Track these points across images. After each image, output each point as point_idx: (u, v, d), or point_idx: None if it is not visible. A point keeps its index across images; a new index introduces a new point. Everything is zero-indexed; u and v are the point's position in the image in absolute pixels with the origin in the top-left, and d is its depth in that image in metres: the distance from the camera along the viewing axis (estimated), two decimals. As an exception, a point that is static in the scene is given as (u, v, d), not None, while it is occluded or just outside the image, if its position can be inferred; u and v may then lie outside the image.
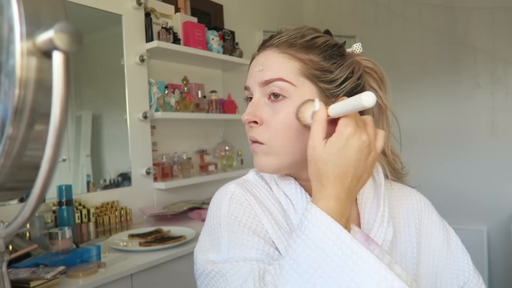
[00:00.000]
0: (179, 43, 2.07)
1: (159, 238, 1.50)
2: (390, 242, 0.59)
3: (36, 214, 1.38)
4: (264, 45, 0.65)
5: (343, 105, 0.49)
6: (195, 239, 1.53)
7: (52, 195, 1.50)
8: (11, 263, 1.15)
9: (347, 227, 0.48)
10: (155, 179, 2.01)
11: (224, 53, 2.30)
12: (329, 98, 0.60)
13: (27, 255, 1.25)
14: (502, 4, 2.57)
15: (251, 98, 0.64)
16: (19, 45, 0.27)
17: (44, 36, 0.27)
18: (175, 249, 1.43)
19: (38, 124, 0.29)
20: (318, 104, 0.53)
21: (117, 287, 1.23)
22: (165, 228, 1.65)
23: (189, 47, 2.07)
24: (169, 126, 2.16)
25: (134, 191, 1.92)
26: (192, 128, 2.30)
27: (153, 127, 2.05)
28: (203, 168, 2.22)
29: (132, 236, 1.56)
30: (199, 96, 2.20)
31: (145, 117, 1.92)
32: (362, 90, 0.65)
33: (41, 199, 0.31)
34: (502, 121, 2.60)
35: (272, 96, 0.60)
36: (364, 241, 0.49)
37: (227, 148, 2.37)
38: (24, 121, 0.28)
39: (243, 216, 0.61)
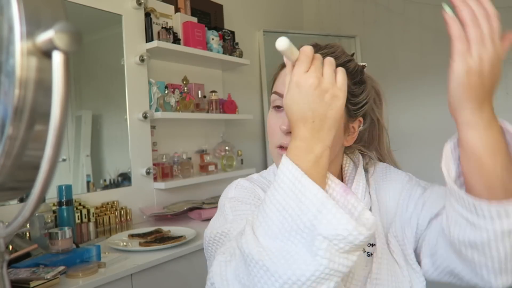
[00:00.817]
0: (179, 43, 2.07)
1: (159, 238, 1.50)
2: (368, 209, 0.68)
3: (36, 214, 1.38)
4: None
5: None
6: (195, 239, 1.53)
7: (52, 195, 1.50)
8: (11, 263, 1.15)
9: (319, 163, 0.51)
10: (155, 179, 2.01)
11: (224, 53, 2.30)
12: (350, 117, 0.69)
13: (27, 255, 1.25)
14: (502, 4, 2.57)
15: (278, 106, 0.69)
16: (19, 45, 0.27)
17: (44, 36, 0.27)
18: (175, 249, 1.43)
19: (38, 124, 0.29)
20: (285, 60, 0.57)
21: (117, 287, 1.23)
22: (165, 228, 1.65)
23: (189, 47, 2.07)
24: (169, 126, 2.16)
25: (134, 191, 1.92)
26: (192, 128, 2.30)
27: (153, 127, 2.05)
28: (203, 168, 2.22)
29: (132, 236, 1.56)
30: (199, 96, 2.20)
31: (145, 117, 1.92)
32: (369, 115, 0.76)
33: (41, 199, 0.31)
34: (502, 121, 2.60)
35: None
36: (343, 191, 0.52)
37: (227, 148, 2.37)
38: (24, 121, 0.28)
39: (246, 198, 0.71)
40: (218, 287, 0.54)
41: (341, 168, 0.77)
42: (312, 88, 0.50)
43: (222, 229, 0.65)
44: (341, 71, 0.54)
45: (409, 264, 0.68)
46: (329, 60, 0.53)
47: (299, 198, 0.48)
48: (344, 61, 0.67)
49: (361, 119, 0.72)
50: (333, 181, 0.53)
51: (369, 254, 0.68)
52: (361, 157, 0.78)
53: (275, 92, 0.70)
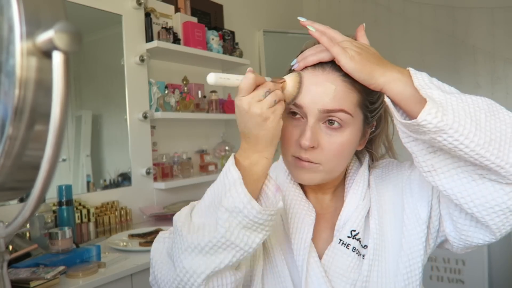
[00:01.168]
0: (179, 43, 2.07)
1: (159, 238, 1.50)
2: (362, 210, 0.68)
3: (36, 214, 1.38)
4: (324, 63, 0.64)
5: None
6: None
7: (52, 195, 1.50)
8: (11, 263, 1.15)
9: (252, 168, 0.58)
10: (155, 179, 2.01)
11: (224, 53, 2.30)
12: (367, 124, 0.69)
13: (27, 255, 1.25)
14: (502, 4, 2.57)
15: (294, 113, 0.66)
16: (19, 45, 0.27)
17: (44, 36, 0.27)
18: (175, 249, 1.43)
19: (38, 124, 0.29)
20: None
21: (117, 287, 1.23)
22: (165, 228, 1.65)
23: (189, 47, 2.07)
24: (169, 126, 2.16)
25: (134, 191, 1.92)
26: (192, 128, 2.30)
27: (153, 127, 2.05)
28: (203, 168, 2.22)
29: (132, 236, 1.56)
30: (199, 96, 2.20)
31: (145, 117, 1.92)
32: (380, 120, 0.75)
33: (41, 199, 0.31)
34: (502, 121, 2.60)
35: (328, 122, 0.64)
36: (275, 190, 0.59)
37: (227, 148, 2.37)
38: (24, 121, 0.28)
39: None
40: (153, 259, 0.62)
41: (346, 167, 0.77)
42: (244, 111, 0.56)
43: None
44: (281, 105, 0.58)
45: (407, 266, 0.66)
46: (275, 92, 0.57)
47: (223, 181, 0.56)
48: None
49: (374, 122, 0.72)
50: (269, 181, 0.60)
51: (362, 256, 0.67)
52: (367, 156, 0.77)
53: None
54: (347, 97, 0.63)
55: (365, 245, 0.67)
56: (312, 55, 0.63)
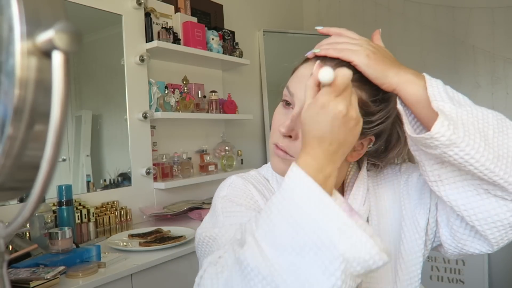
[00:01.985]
0: (179, 43, 2.07)
1: (159, 238, 1.50)
2: (366, 218, 0.66)
3: (36, 214, 1.38)
4: (327, 59, 0.62)
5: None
6: (195, 239, 1.53)
7: (52, 195, 1.50)
8: (11, 263, 1.15)
9: (326, 184, 0.50)
10: (155, 179, 2.01)
11: (224, 53, 2.30)
12: (361, 136, 0.62)
13: (27, 255, 1.25)
14: (502, 4, 2.57)
15: (287, 102, 0.64)
16: (19, 45, 0.27)
17: (44, 36, 0.27)
18: (175, 249, 1.43)
19: (38, 124, 0.29)
20: (315, 68, 0.54)
21: (117, 287, 1.23)
22: (165, 228, 1.65)
23: (189, 47, 2.07)
24: (169, 126, 2.16)
25: (134, 191, 1.92)
26: (192, 128, 2.30)
27: (153, 127, 2.05)
28: (203, 168, 2.22)
29: (132, 236, 1.56)
30: (199, 96, 2.20)
31: (145, 117, 1.92)
32: (382, 133, 0.68)
33: (41, 199, 0.31)
34: (502, 121, 2.60)
35: None
36: (348, 211, 0.50)
37: (227, 148, 2.37)
38: (24, 121, 0.28)
39: (239, 198, 0.69)
40: None
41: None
42: (341, 115, 0.48)
43: (211, 232, 0.64)
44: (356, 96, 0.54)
45: (408, 270, 0.65)
46: (355, 92, 0.53)
47: (316, 213, 0.45)
48: None
49: (372, 137, 0.67)
50: (338, 199, 0.51)
51: None
52: (365, 159, 0.73)
53: (287, 87, 0.66)
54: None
55: None
56: (334, 51, 0.61)
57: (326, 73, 0.47)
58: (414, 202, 0.67)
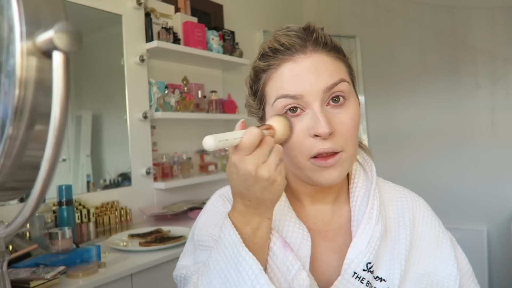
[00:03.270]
0: (179, 43, 2.07)
1: (159, 238, 1.50)
2: (378, 239, 0.60)
3: (36, 214, 1.38)
4: (301, 47, 0.59)
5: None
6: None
7: (52, 195, 1.50)
8: (11, 263, 1.15)
9: (255, 235, 0.52)
10: (155, 179, 2.01)
11: (224, 53, 2.30)
12: (356, 94, 0.64)
13: (27, 255, 1.25)
14: (502, 4, 2.57)
15: (294, 108, 0.58)
16: (19, 45, 0.27)
17: (44, 36, 0.27)
18: (175, 249, 1.43)
19: (38, 124, 0.29)
20: (238, 124, 0.53)
21: (117, 287, 1.23)
22: (165, 228, 1.65)
23: (189, 47, 2.07)
24: (169, 126, 2.16)
25: (134, 191, 1.92)
26: (192, 128, 2.30)
27: (153, 127, 2.05)
28: (203, 168, 2.22)
29: (132, 236, 1.56)
30: (199, 96, 2.20)
31: (145, 117, 1.92)
32: None
33: (41, 199, 0.31)
34: (502, 121, 2.60)
35: (332, 101, 0.58)
36: (282, 246, 0.55)
37: (227, 148, 2.36)
38: (24, 121, 0.28)
39: (214, 228, 0.65)
40: None
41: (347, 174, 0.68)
42: (250, 175, 0.48)
43: (182, 271, 0.65)
44: (282, 164, 0.51)
45: None
46: (277, 149, 0.50)
47: (238, 268, 0.50)
48: (332, 40, 0.62)
49: None
50: (274, 235, 0.55)
51: None
52: (373, 165, 0.68)
53: (286, 96, 0.58)
54: (338, 66, 0.60)
55: (378, 277, 0.60)
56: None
57: (206, 143, 0.46)
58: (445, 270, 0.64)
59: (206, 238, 0.64)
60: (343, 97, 0.58)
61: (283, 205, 0.63)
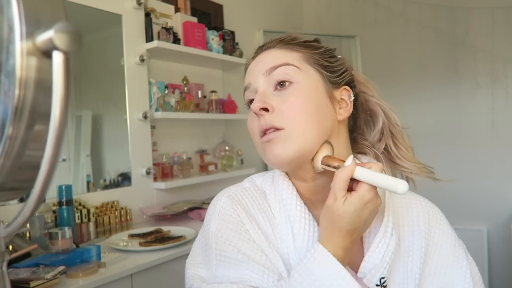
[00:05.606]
0: (179, 43, 2.07)
1: (159, 238, 1.50)
2: (392, 253, 0.58)
3: (36, 214, 1.38)
4: (262, 48, 0.67)
5: (373, 177, 0.52)
6: (195, 239, 1.53)
7: (52, 195, 1.50)
8: (11, 263, 1.15)
9: (348, 256, 0.54)
10: (155, 179, 2.01)
11: (224, 53, 2.30)
12: (332, 84, 0.64)
13: (27, 255, 1.25)
14: (502, 4, 2.57)
15: (251, 101, 0.64)
16: (19, 45, 0.27)
17: (44, 36, 0.27)
18: (175, 249, 1.43)
19: (38, 124, 0.29)
20: (350, 160, 0.55)
21: (117, 287, 1.23)
22: (165, 228, 1.65)
23: (189, 47, 2.07)
24: (169, 126, 2.16)
25: (134, 191, 1.92)
26: (192, 128, 2.30)
27: (153, 127, 2.05)
28: (203, 168, 2.22)
29: (132, 236, 1.56)
30: (199, 96, 2.20)
31: (145, 117, 1.92)
32: (355, 86, 0.70)
33: (41, 199, 0.31)
34: (502, 121, 2.60)
35: (278, 86, 0.61)
36: (354, 277, 0.54)
37: (227, 148, 2.37)
38: (24, 121, 0.28)
39: (230, 233, 0.61)
40: None
41: None
42: (378, 207, 0.54)
43: (198, 283, 0.63)
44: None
45: None
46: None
47: None
48: (303, 41, 0.67)
49: (347, 88, 0.66)
50: (347, 267, 0.54)
51: None
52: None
53: (244, 88, 0.67)
54: (287, 55, 0.63)
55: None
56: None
57: (405, 187, 0.49)
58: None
59: (228, 248, 0.60)
60: (289, 81, 0.61)
61: (294, 207, 0.62)
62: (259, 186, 0.68)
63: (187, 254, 1.55)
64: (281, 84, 0.61)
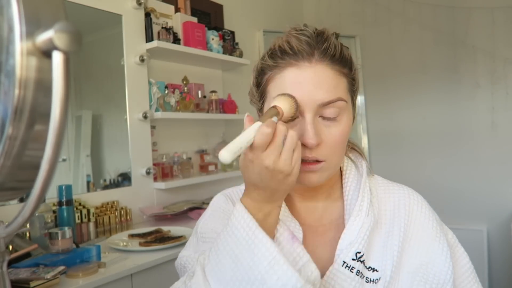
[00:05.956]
0: (179, 43, 2.07)
1: (159, 238, 1.50)
2: (367, 229, 0.62)
3: (36, 214, 1.38)
4: (308, 55, 0.60)
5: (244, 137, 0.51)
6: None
7: (52, 195, 1.50)
8: (11, 263, 1.15)
9: (266, 220, 0.55)
10: (155, 179, 2.01)
11: (224, 53, 2.30)
12: (353, 107, 0.66)
13: (27, 255, 1.25)
14: (502, 4, 2.57)
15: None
16: (19, 45, 0.27)
17: (44, 36, 0.27)
18: (175, 249, 1.43)
19: (38, 124, 0.29)
20: (245, 120, 0.55)
21: (117, 287, 1.23)
22: (165, 228, 1.65)
23: (189, 47, 2.07)
24: (169, 126, 2.16)
25: (134, 191, 1.92)
26: (192, 128, 2.30)
27: (153, 127, 2.05)
28: (203, 168, 2.22)
29: (132, 236, 1.56)
30: (199, 96, 2.20)
31: (145, 117, 1.92)
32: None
33: (41, 199, 0.31)
34: (502, 121, 2.60)
35: (325, 114, 0.60)
36: (290, 238, 0.57)
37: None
38: (24, 121, 0.28)
39: (213, 220, 0.69)
40: None
41: (341, 172, 0.71)
42: (267, 170, 0.51)
43: (183, 259, 0.69)
44: (298, 151, 0.54)
45: None
46: (291, 137, 0.53)
47: (252, 249, 0.51)
48: (341, 51, 0.62)
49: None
50: (281, 227, 0.58)
51: (365, 278, 0.61)
52: (364, 162, 0.71)
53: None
54: (340, 84, 0.61)
55: (370, 267, 0.62)
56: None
57: (222, 157, 0.47)
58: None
59: (208, 231, 0.67)
60: (336, 113, 0.61)
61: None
62: None
63: (187, 254, 1.54)
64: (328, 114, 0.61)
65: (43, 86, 0.28)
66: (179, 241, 1.47)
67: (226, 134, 2.44)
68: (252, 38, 2.82)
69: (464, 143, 2.72)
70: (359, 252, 0.61)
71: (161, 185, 1.96)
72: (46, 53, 0.28)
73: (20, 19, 0.27)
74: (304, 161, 0.59)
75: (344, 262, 0.61)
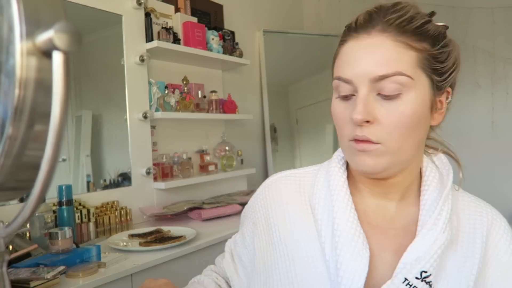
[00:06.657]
0: (179, 43, 2.07)
1: (159, 238, 1.50)
2: (440, 248, 0.54)
3: (36, 214, 1.38)
4: (368, 26, 0.56)
5: None
6: (195, 239, 1.53)
7: (52, 195, 1.50)
8: (11, 263, 1.15)
9: None
10: (155, 179, 2.01)
11: (224, 53, 2.30)
12: (437, 90, 0.57)
13: (27, 255, 1.25)
14: (502, 4, 2.57)
15: (346, 96, 0.56)
16: (19, 45, 0.27)
17: (44, 36, 0.27)
18: (175, 249, 1.43)
19: (38, 124, 0.29)
20: None
21: (117, 287, 1.23)
22: (165, 228, 1.65)
23: (189, 47, 2.07)
24: (169, 126, 2.16)
25: (134, 191, 1.92)
26: (192, 128, 2.30)
27: (153, 127, 2.05)
28: (203, 168, 2.22)
29: (132, 236, 1.56)
30: (199, 96, 2.20)
31: (145, 117, 1.92)
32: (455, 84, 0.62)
33: (41, 199, 0.31)
34: (502, 121, 2.60)
35: (384, 91, 0.53)
36: None
37: (227, 148, 2.37)
38: (24, 121, 0.28)
39: (244, 218, 0.74)
40: None
41: (420, 176, 0.63)
42: None
43: (228, 244, 0.80)
44: None
45: None
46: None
47: None
48: (421, 24, 0.56)
49: (449, 89, 0.60)
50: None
51: None
52: (451, 167, 0.63)
53: (339, 78, 0.56)
54: (402, 57, 0.53)
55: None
56: None
57: None
58: None
59: (242, 220, 0.75)
60: (397, 90, 0.53)
61: (342, 196, 0.59)
62: (326, 176, 0.65)
63: (187, 254, 1.56)
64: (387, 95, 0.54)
65: (43, 86, 0.28)
66: (179, 241, 1.47)
67: (226, 134, 2.44)
68: (252, 38, 2.82)
69: (464, 143, 2.71)
70: (425, 272, 0.53)
71: (161, 185, 1.96)
72: (46, 53, 0.28)
73: (20, 19, 0.27)
74: (355, 140, 0.54)
75: (406, 279, 0.52)
